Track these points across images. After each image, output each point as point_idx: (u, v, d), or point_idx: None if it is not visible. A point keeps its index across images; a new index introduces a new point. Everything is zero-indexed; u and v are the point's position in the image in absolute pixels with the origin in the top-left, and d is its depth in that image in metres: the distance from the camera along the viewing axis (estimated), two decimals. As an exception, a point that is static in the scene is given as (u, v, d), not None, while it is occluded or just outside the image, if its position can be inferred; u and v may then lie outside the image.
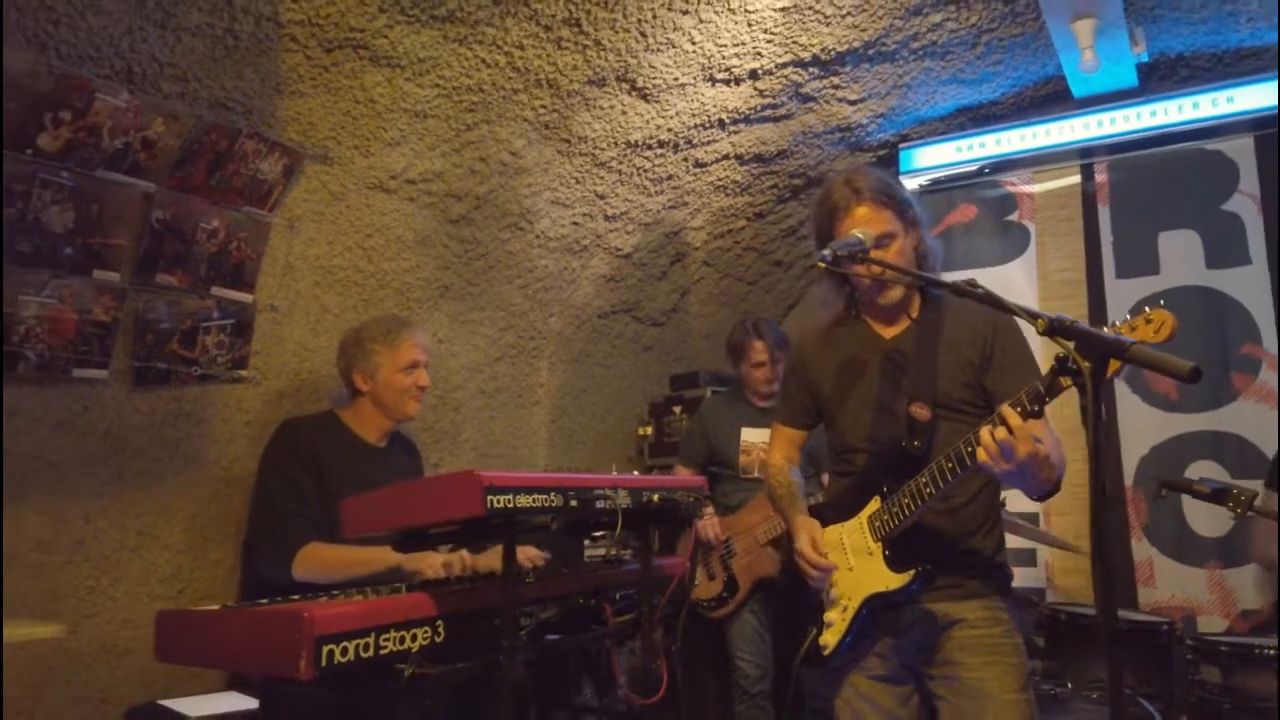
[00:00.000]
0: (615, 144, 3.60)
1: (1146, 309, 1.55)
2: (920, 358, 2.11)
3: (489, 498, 1.75)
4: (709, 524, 3.63)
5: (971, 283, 1.61)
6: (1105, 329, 1.44)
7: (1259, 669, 2.57)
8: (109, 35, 2.21)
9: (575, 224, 3.84)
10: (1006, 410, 1.73)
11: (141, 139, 2.38)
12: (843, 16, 3.28)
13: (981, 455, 1.75)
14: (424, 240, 3.35)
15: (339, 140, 2.87)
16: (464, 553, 2.51)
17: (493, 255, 3.63)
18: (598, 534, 2.41)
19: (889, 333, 2.19)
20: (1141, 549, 3.75)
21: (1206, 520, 3.66)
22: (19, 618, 2.20)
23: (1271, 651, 2.56)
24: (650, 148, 3.71)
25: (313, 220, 2.96)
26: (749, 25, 3.22)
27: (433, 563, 2.47)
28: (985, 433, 1.74)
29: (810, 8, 3.20)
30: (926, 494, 1.93)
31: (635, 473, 4.35)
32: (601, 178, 3.73)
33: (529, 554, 2.63)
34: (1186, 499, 3.10)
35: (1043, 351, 2.19)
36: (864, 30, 3.38)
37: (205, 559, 2.88)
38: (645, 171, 3.83)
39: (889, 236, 2.07)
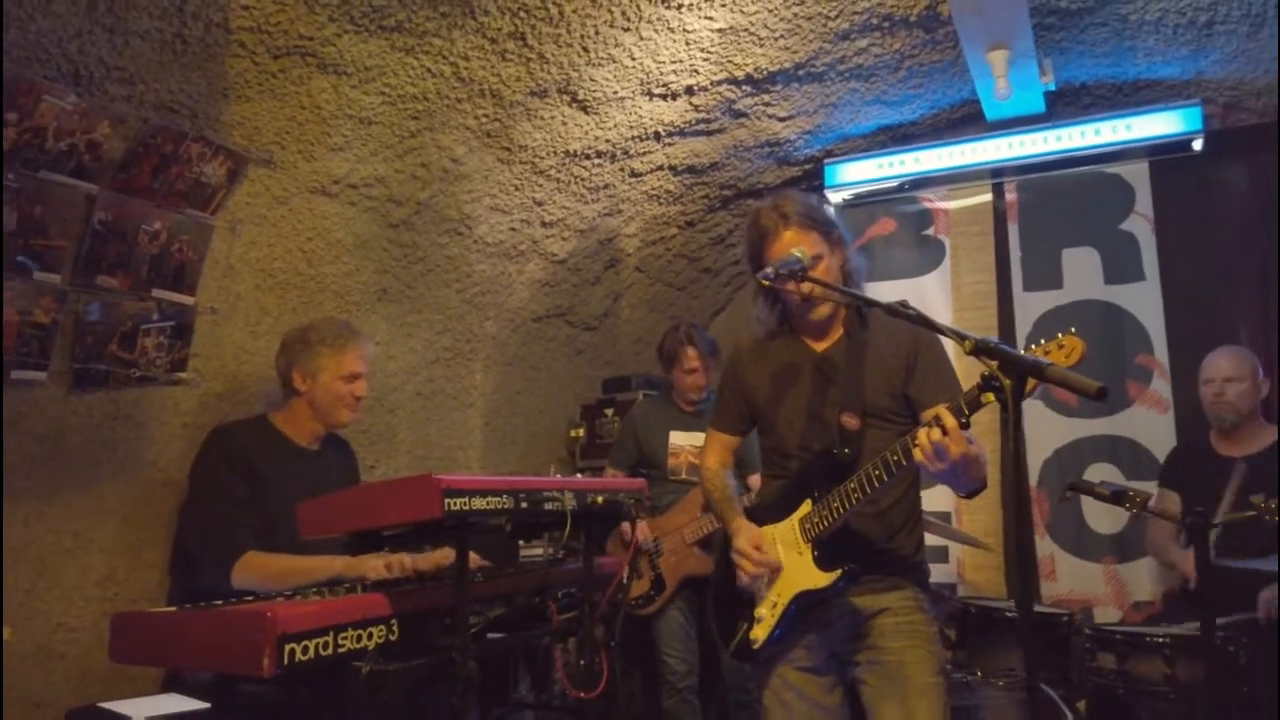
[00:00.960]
0: (554, 153, 3.68)
1: (1060, 335, 1.70)
2: (849, 369, 2.24)
3: (446, 500, 1.82)
4: (640, 525, 3.72)
5: (903, 304, 1.73)
6: (1023, 351, 1.59)
7: (1150, 655, 2.80)
8: (58, 38, 2.20)
9: (513, 230, 3.90)
10: (943, 412, 1.83)
11: (87, 141, 2.37)
12: (776, 39, 3.42)
13: (918, 455, 1.86)
14: (364, 244, 3.37)
15: (283, 145, 2.88)
16: (404, 555, 2.55)
17: (431, 259, 3.67)
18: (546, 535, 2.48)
19: (819, 346, 2.31)
20: (1044, 545, 3.98)
21: (1103, 519, 3.90)
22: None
23: (1160, 640, 2.80)
24: (588, 157, 3.80)
25: (255, 223, 2.96)
26: (687, 44, 3.34)
27: (374, 566, 2.49)
28: (923, 434, 1.84)
29: (746, 29, 3.33)
30: (855, 498, 2.06)
31: (578, 475, 4.44)
32: (540, 185, 3.80)
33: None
34: (1085, 499, 3.33)
35: (959, 364, 2.36)
36: (795, 52, 3.53)
37: (140, 561, 2.86)
38: (582, 180, 3.91)
39: (816, 257, 2.18)
